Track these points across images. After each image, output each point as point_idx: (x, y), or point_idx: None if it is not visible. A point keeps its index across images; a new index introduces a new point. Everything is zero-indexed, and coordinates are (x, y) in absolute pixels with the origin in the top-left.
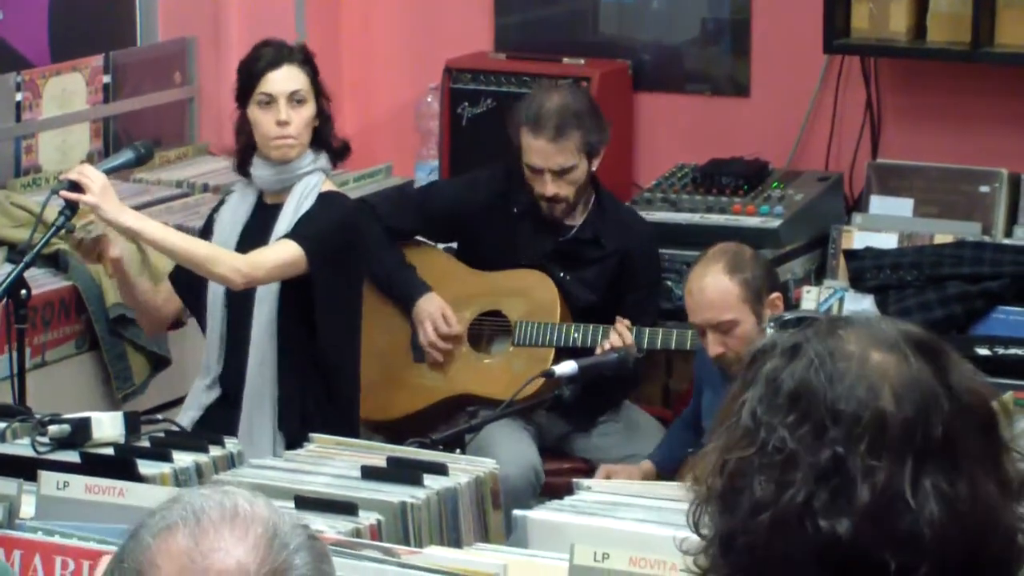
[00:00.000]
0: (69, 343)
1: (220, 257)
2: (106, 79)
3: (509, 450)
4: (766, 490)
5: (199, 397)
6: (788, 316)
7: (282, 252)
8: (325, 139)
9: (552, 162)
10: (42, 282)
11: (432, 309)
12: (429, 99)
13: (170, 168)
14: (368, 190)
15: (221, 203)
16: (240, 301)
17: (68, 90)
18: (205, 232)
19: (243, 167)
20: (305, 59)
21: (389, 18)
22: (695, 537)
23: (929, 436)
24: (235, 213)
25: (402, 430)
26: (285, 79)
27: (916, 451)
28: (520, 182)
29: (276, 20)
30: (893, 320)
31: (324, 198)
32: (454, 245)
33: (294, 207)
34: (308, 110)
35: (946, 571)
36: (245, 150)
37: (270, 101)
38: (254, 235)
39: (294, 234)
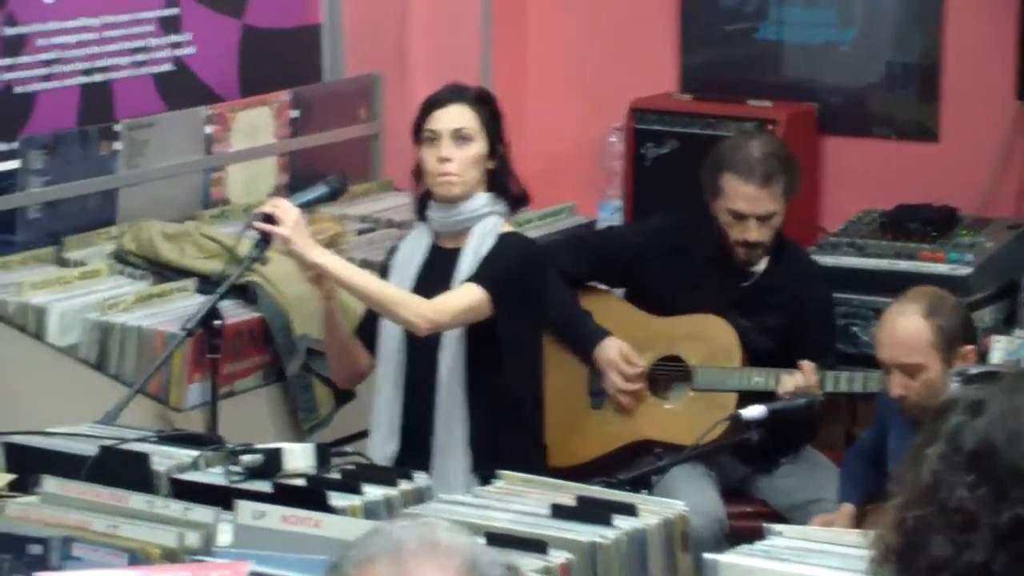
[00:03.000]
0: (257, 373)
1: (406, 301)
2: (293, 114)
3: (694, 497)
4: (944, 549)
5: (379, 448)
6: (973, 371)
7: (467, 297)
8: (501, 184)
9: (760, 208)
10: (232, 313)
11: (613, 355)
12: (613, 139)
13: (354, 203)
14: (551, 229)
15: (393, 249)
16: (420, 348)
17: (256, 124)
18: (382, 273)
19: (421, 211)
20: (478, 99)
21: (575, 57)
22: None
23: None
24: (411, 256)
25: (581, 477)
26: (450, 116)
27: None
28: (701, 229)
29: (462, 57)
30: None
31: (504, 239)
32: (621, 291)
33: (473, 249)
34: (473, 149)
35: None
36: (423, 195)
37: (434, 138)
38: (430, 279)
39: (477, 277)
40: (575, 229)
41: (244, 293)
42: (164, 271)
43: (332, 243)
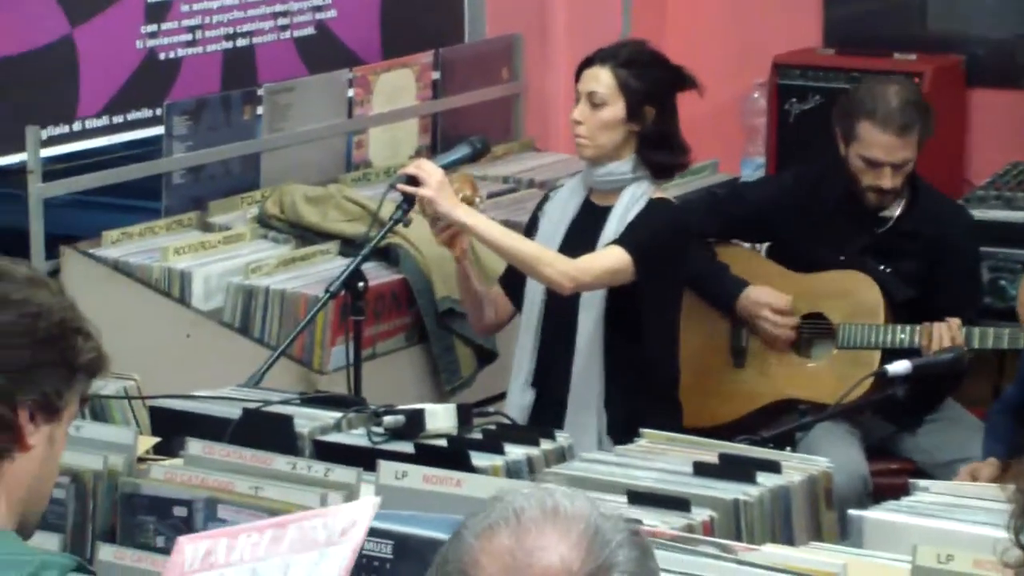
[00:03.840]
0: (399, 335)
1: (549, 259)
2: (435, 75)
3: (837, 456)
4: None
5: (515, 397)
6: None
7: (611, 259)
8: (649, 149)
9: (896, 156)
10: (374, 275)
11: (761, 297)
12: (756, 95)
13: (496, 164)
14: (694, 186)
15: (546, 198)
16: (560, 306)
17: (398, 86)
18: (531, 225)
19: None
20: (627, 62)
21: (716, 13)
22: (1016, 551)
23: None
24: (564, 210)
25: (724, 437)
26: (588, 79)
27: None
28: (831, 177)
29: (602, 16)
30: None
31: (653, 204)
32: (763, 247)
33: (622, 211)
34: (608, 113)
35: None
36: None
37: (578, 98)
38: (580, 235)
39: (623, 241)
40: (715, 187)
41: (386, 255)
42: (307, 234)
43: (467, 201)
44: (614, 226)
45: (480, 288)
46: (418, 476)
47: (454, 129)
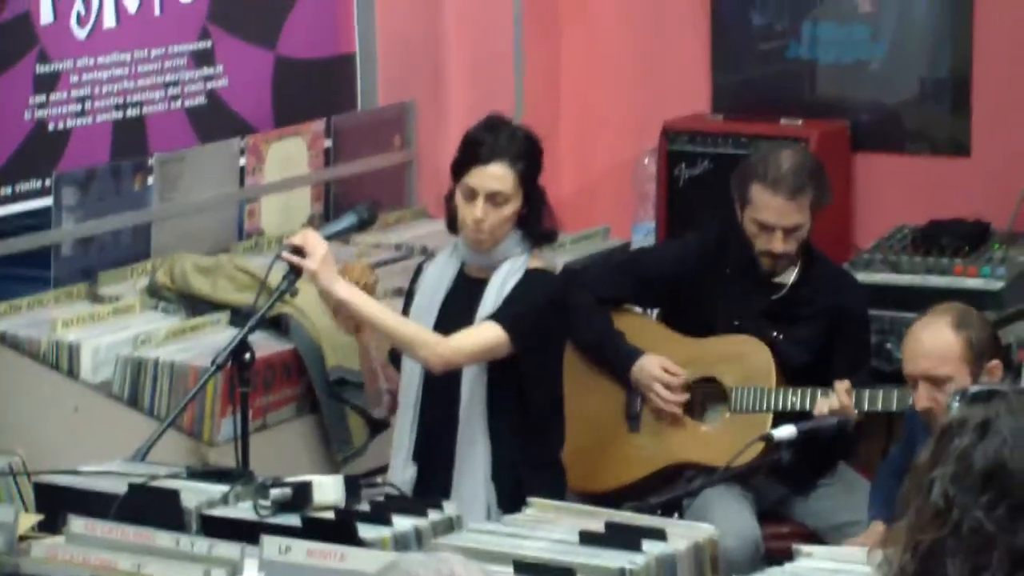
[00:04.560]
0: (290, 406)
1: (424, 340)
2: (327, 143)
3: (729, 520)
4: (960, 572)
5: (397, 473)
6: (975, 389)
7: (486, 336)
8: (532, 224)
9: (788, 220)
10: (264, 345)
11: (653, 370)
12: (646, 161)
13: (389, 231)
14: (585, 252)
15: (419, 269)
16: (441, 379)
17: (290, 155)
18: (408, 297)
19: (452, 227)
20: (521, 154)
21: (609, 81)
22: None
23: None
24: (438, 282)
25: (619, 501)
26: (490, 178)
27: None
28: (730, 241)
29: (496, 84)
30: None
31: (530, 277)
32: (654, 312)
33: (499, 284)
34: (509, 208)
35: None
36: (454, 214)
37: (471, 195)
38: (456, 308)
39: (499, 317)
40: (608, 252)
41: (276, 325)
42: (198, 305)
43: (367, 290)
44: (492, 299)
45: (381, 360)
46: (302, 550)
47: (347, 197)
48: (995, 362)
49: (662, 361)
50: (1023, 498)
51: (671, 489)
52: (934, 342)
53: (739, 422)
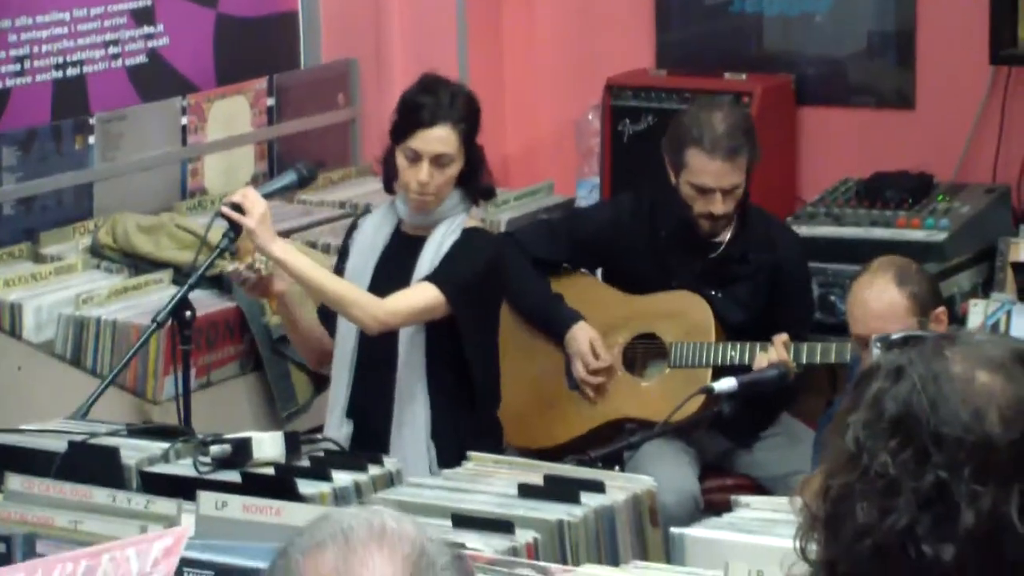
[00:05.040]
0: (233, 363)
1: (359, 300)
2: (270, 102)
3: (669, 475)
4: (868, 516)
5: (332, 431)
6: (895, 336)
7: (422, 297)
8: (471, 181)
9: (725, 181)
10: (207, 303)
11: (581, 344)
12: (590, 117)
13: (333, 189)
14: (529, 208)
15: (354, 226)
16: (377, 337)
17: (232, 113)
18: (341, 255)
19: (389, 186)
20: (463, 115)
21: (551, 37)
22: (802, 564)
23: None
24: (374, 238)
25: (560, 458)
26: (435, 140)
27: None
28: (664, 203)
29: (438, 41)
30: (1004, 337)
31: (467, 236)
32: (599, 272)
33: (436, 245)
34: (453, 169)
35: None
36: (391, 174)
37: (415, 158)
38: (392, 267)
39: (435, 278)
40: (551, 209)
41: (219, 283)
42: (140, 264)
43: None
44: (429, 258)
45: (308, 323)
46: (238, 505)
47: (290, 155)
48: (940, 309)
49: (592, 338)
50: (929, 443)
51: (612, 443)
52: (880, 302)
53: (679, 377)
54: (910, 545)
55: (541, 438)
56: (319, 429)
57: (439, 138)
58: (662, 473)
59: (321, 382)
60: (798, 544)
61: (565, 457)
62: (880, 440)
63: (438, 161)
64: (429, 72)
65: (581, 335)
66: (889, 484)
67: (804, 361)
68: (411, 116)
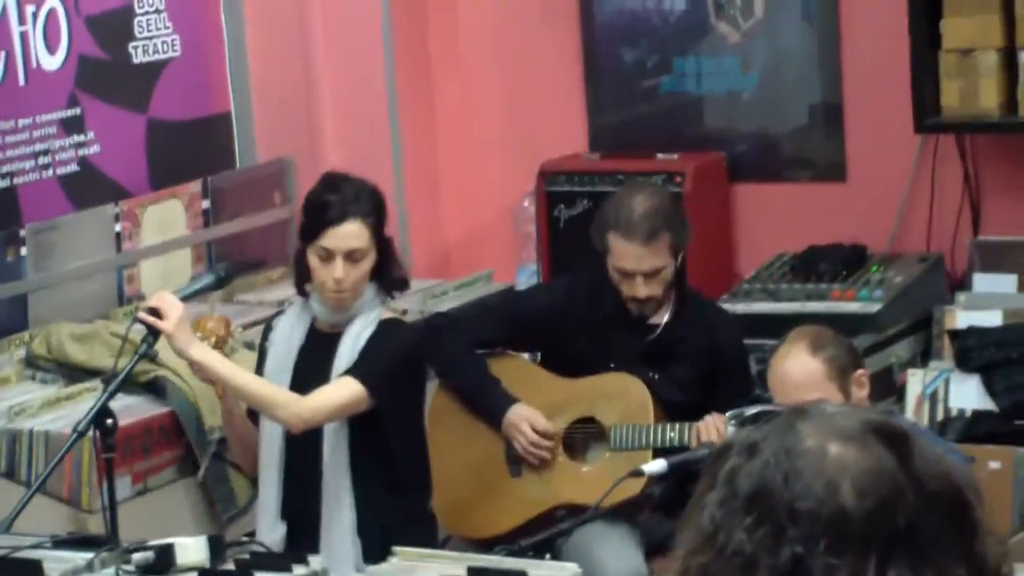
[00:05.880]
0: (170, 468)
1: (281, 400)
2: (205, 204)
3: (614, 556)
4: None
5: (266, 534)
6: (749, 412)
7: (343, 392)
8: (385, 278)
9: (645, 265)
10: (140, 409)
11: (519, 420)
12: (526, 203)
13: (272, 288)
14: (469, 297)
15: (269, 327)
16: (302, 436)
17: (167, 217)
18: (260, 356)
19: (301, 288)
20: (370, 209)
21: (485, 125)
22: None
23: (893, 527)
24: (290, 338)
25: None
26: (345, 237)
27: (880, 545)
28: (602, 286)
29: (371, 135)
30: (856, 409)
31: (384, 328)
32: (537, 355)
33: (353, 339)
34: (367, 263)
35: None
36: (303, 275)
37: (328, 256)
38: (311, 365)
39: (356, 372)
40: (488, 297)
41: (154, 388)
42: (75, 373)
43: (219, 343)
44: (347, 353)
45: (240, 423)
46: None
47: (228, 256)
48: (860, 372)
49: (527, 414)
50: (784, 518)
51: (540, 531)
52: (799, 372)
53: (619, 460)
54: None
55: (484, 527)
56: None
57: (350, 234)
58: (608, 555)
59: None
60: None
61: (495, 548)
62: (736, 518)
63: (351, 257)
64: (329, 171)
65: (519, 412)
66: (746, 562)
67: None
68: (319, 215)
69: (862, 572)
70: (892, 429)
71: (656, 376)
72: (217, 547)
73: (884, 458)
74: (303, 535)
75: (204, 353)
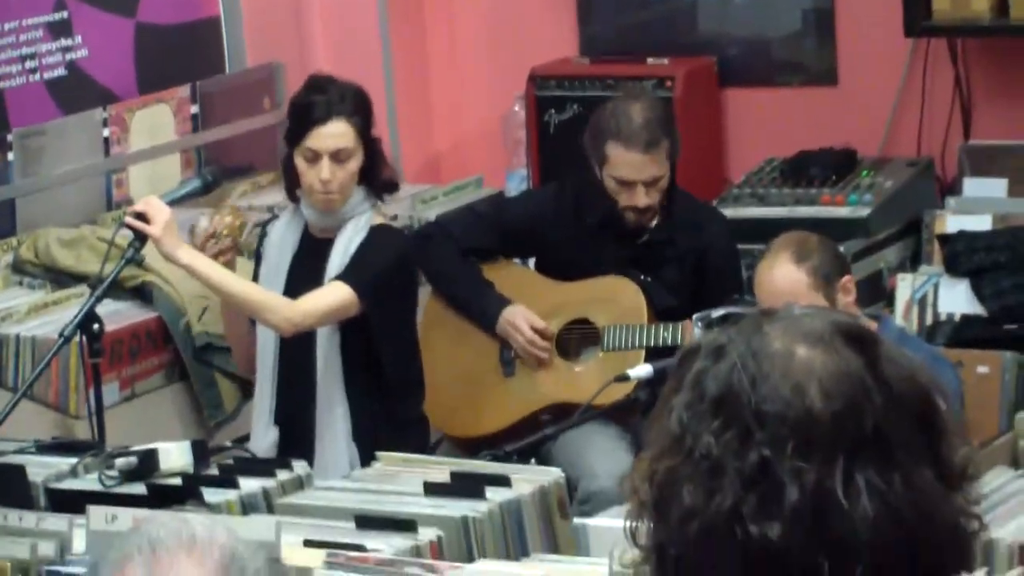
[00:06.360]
0: (158, 374)
1: (271, 304)
2: (194, 109)
3: (603, 460)
4: (695, 498)
5: (259, 438)
6: (715, 314)
7: (333, 297)
8: (373, 176)
9: (645, 174)
10: (128, 315)
11: (516, 317)
12: (516, 108)
13: (262, 193)
14: (460, 202)
15: (264, 233)
16: (295, 342)
17: (156, 122)
18: (256, 261)
19: (292, 193)
20: (355, 109)
21: (474, 31)
22: (635, 550)
23: (860, 430)
24: (283, 243)
25: (497, 445)
26: (331, 136)
27: (847, 448)
28: (591, 193)
29: (361, 41)
30: (824, 311)
31: (375, 234)
32: (531, 261)
33: (344, 244)
34: (354, 163)
35: (884, 569)
36: (293, 180)
37: (314, 158)
38: (304, 270)
39: (346, 276)
40: (478, 203)
41: (140, 294)
42: (62, 278)
43: (232, 233)
44: (338, 260)
45: (244, 326)
46: (128, 519)
47: (217, 161)
48: (846, 278)
49: (524, 312)
50: (751, 421)
51: (529, 435)
52: (784, 281)
53: (612, 360)
54: (737, 525)
55: (477, 427)
56: (248, 437)
57: (335, 133)
58: (598, 457)
59: (248, 389)
60: (628, 528)
61: (481, 452)
62: (703, 421)
63: (337, 157)
64: (315, 73)
65: (514, 311)
66: (713, 465)
67: None
68: (304, 116)
69: (829, 475)
70: (859, 332)
71: (647, 279)
72: (201, 453)
73: (851, 360)
74: (297, 441)
75: (192, 257)
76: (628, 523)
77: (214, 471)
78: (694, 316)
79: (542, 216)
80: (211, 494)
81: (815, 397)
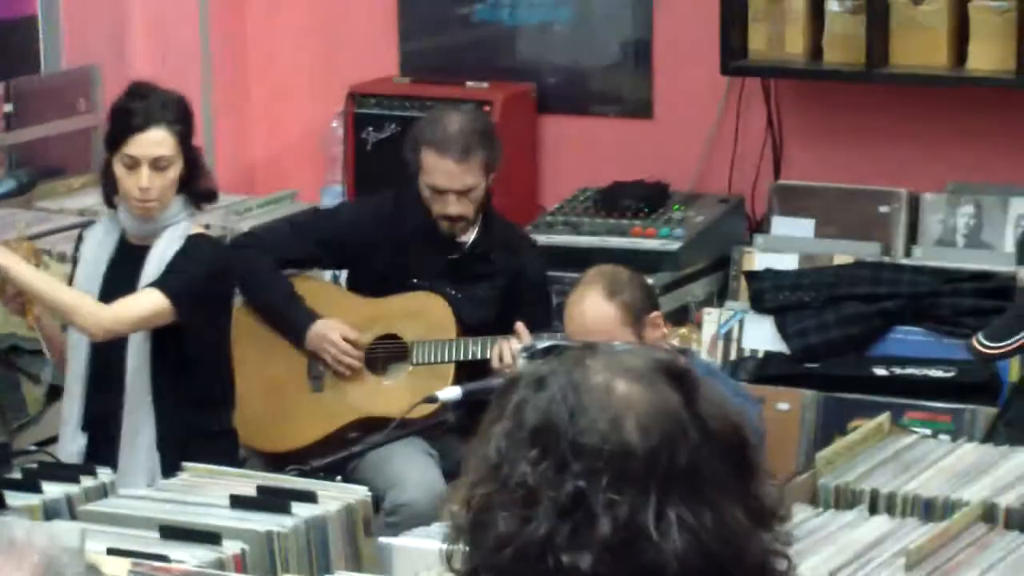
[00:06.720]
0: None
1: (83, 308)
2: (7, 107)
3: (415, 475)
4: (509, 525)
5: (67, 443)
6: (540, 346)
7: (147, 303)
8: (192, 185)
9: (458, 182)
10: None
11: (327, 329)
12: (335, 124)
13: (73, 196)
14: (273, 215)
15: (80, 238)
16: (107, 348)
17: None
18: (74, 263)
19: (110, 200)
20: (177, 117)
21: (296, 45)
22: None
23: (675, 466)
24: (100, 248)
25: (305, 459)
26: (151, 144)
27: (660, 482)
28: (408, 204)
29: (181, 48)
30: (645, 348)
31: (192, 243)
32: (343, 273)
33: (161, 252)
34: (173, 172)
35: None
36: (111, 187)
37: (133, 164)
38: (119, 277)
39: (161, 284)
40: (296, 214)
41: None
42: None
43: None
44: (154, 268)
45: (56, 327)
46: None
47: (30, 162)
48: (655, 314)
49: (336, 324)
50: (568, 452)
51: (336, 451)
52: (593, 316)
53: (421, 375)
54: (549, 554)
55: (284, 441)
56: (52, 441)
57: (155, 140)
58: (409, 469)
59: (54, 393)
60: (444, 552)
61: (287, 468)
62: (521, 450)
63: (156, 164)
64: (136, 80)
65: (325, 326)
66: (528, 494)
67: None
68: (124, 122)
69: (642, 508)
70: (678, 369)
71: (457, 294)
72: (3, 455)
73: (669, 397)
74: (104, 447)
75: (5, 257)
76: (444, 546)
77: (17, 475)
78: (518, 347)
79: (361, 225)
80: (13, 498)
81: (632, 431)
